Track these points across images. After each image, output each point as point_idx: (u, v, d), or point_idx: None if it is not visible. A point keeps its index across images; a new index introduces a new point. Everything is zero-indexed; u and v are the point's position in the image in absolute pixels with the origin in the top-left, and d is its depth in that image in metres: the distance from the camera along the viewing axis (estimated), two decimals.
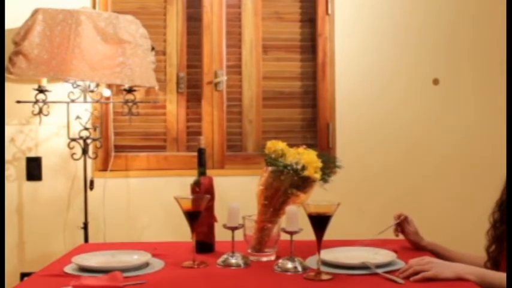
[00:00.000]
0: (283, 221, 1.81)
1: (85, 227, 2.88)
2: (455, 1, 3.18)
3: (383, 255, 1.78)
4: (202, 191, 1.91)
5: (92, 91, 2.92)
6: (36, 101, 2.81)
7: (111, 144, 3.09)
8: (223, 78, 3.15)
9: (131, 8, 3.10)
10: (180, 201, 1.77)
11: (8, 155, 2.98)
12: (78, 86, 2.87)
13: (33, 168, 3.00)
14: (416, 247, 1.97)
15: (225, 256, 1.78)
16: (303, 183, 1.80)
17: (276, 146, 1.85)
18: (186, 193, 1.92)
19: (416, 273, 1.59)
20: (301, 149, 1.83)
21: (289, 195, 1.81)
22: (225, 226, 1.79)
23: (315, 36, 3.19)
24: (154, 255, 1.81)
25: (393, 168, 3.14)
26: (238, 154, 3.19)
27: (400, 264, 1.70)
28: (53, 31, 2.70)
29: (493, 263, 1.82)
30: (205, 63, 3.15)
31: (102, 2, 3.08)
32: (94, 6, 3.04)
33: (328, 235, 1.66)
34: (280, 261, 1.73)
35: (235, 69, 3.19)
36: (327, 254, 1.74)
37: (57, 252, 2.57)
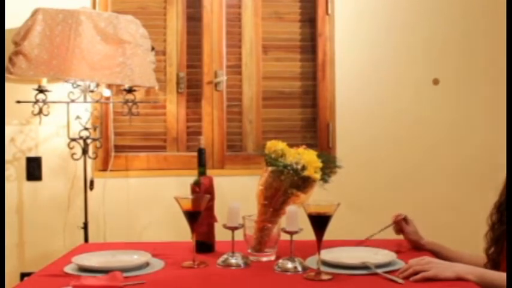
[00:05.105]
0: (283, 221, 1.81)
1: (85, 227, 2.88)
2: (455, 1, 3.18)
3: (383, 255, 1.77)
4: (202, 191, 1.91)
5: (92, 91, 2.92)
6: (36, 101, 2.81)
7: (111, 144, 3.09)
8: (223, 78, 3.15)
9: (131, 8, 3.10)
10: (180, 201, 1.77)
11: (8, 155, 2.98)
12: (78, 86, 2.87)
13: (33, 168, 3.00)
14: (416, 246, 1.97)
15: (225, 256, 1.78)
16: (303, 183, 1.79)
17: (276, 146, 1.85)
18: (186, 193, 1.92)
19: (416, 273, 1.58)
20: (301, 149, 1.83)
21: (289, 195, 1.80)
22: (225, 226, 1.79)
23: (315, 36, 3.20)
24: (154, 255, 1.81)
25: (393, 168, 3.15)
26: (238, 154, 3.19)
27: (400, 264, 1.70)
28: (53, 31, 2.70)
29: (493, 264, 1.81)
30: (205, 63, 3.16)
31: (102, 2, 3.08)
32: (94, 6, 3.04)
33: (328, 235, 1.66)
34: (280, 261, 1.73)
35: (235, 69, 3.19)
36: (327, 254, 1.73)
37: (57, 252, 2.57)
